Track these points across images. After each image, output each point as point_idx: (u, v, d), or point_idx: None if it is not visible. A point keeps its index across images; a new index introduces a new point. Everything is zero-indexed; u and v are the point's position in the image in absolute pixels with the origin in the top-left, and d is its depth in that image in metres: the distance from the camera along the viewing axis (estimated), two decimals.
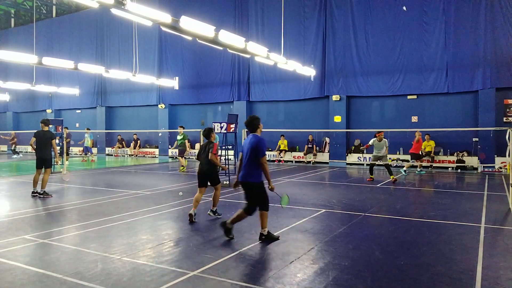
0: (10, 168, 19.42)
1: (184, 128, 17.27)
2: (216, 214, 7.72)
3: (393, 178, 12.72)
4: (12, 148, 26.80)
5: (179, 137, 16.70)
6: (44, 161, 10.10)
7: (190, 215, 7.32)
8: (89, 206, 8.90)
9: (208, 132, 7.78)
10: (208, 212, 7.77)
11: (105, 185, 12.25)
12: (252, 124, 6.08)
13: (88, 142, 22.35)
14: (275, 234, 6.31)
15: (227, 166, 8.33)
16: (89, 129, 23.33)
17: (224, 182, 12.18)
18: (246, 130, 7.85)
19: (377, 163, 13.47)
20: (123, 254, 5.36)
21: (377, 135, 13.13)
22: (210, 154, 7.40)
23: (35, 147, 10.16)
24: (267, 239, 5.99)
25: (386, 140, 13.29)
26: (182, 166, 16.47)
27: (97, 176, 15.22)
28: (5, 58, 12.55)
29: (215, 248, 5.70)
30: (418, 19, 17.49)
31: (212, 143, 7.61)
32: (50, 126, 16.05)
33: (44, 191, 10.00)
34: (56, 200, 9.68)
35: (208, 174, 7.53)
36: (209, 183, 7.61)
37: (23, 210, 8.38)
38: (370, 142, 13.23)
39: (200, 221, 7.53)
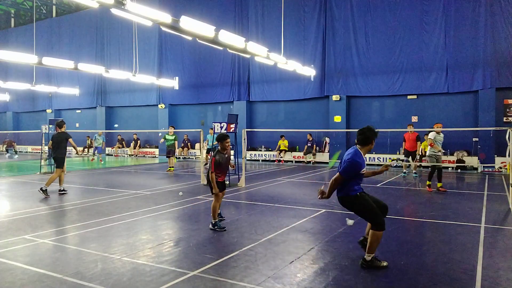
0: (11, 168, 19.42)
1: (174, 128, 17.06)
2: (216, 227, 6.68)
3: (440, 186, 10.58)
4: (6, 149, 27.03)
5: (170, 137, 16.56)
6: (55, 160, 10.67)
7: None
8: (89, 206, 8.90)
9: (217, 139, 6.89)
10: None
11: (105, 185, 12.24)
12: (365, 136, 4.94)
13: (100, 143, 22.34)
14: (275, 234, 6.30)
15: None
16: (102, 132, 23.24)
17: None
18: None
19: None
20: (123, 254, 5.36)
21: (436, 127, 10.64)
22: (210, 172, 6.68)
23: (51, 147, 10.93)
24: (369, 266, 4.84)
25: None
26: (171, 167, 16.39)
27: (97, 176, 15.22)
28: (5, 58, 12.54)
29: (215, 248, 5.69)
30: (418, 19, 17.49)
31: (212, 158, 6.74)
32: (50, 126, 16.29)
33: (46, 189, 10.14)
34: (56, 200, 9.68)
35: (208, 182, 6.96)
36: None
37: (23, 210, 8.38)
38: (432, 137, 10.48)
39: (200, 221, 7.53)
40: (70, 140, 10.59)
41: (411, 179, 13.62)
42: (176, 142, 16.78)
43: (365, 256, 4.87)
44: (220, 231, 6.54)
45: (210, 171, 6.70)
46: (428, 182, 10.68)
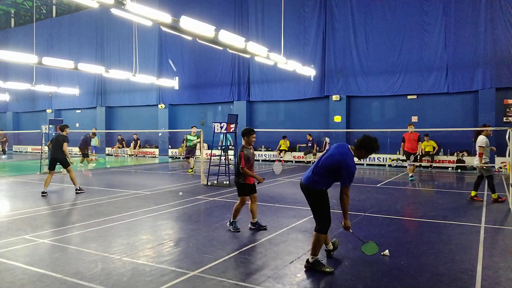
0: (10, 168, 19.42)
1: (197, 128, 16.33)
2: (257, 226, 6.68)
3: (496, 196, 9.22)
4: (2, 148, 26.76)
5: (192, 138, 15.90)
6: (57, 161, 10.62)
7: (250, 228, 6.77)
8: (89, 206, 8.90)
9: (243, 133, 6.66)
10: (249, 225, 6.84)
11: (105, 185, 12.24)
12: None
13: (95, 141, 22.22)
14: (275, 234, 6.29)
15: (263, 177, 6.72)
16: (96, 129, 23.13)
17: (224, 182, 12.20)
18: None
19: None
20: (123, 254, 5.36)
21: (485, 129, 9.37)
22: (240, 168, 6.45)
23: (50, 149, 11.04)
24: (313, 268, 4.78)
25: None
26: (191, 168, 15.92)
27: (97, 176, 15.22)
28: (5, 58, 12.54)
29: (215, 248, 5.69)
30: (418, 19, 17.50)
31: (240, 152, 6.48)
32: (50, 126, 16.30)
33: (80, 187, 10.68)
34: (56, 200, 9.69)
35: (235, 183, 6.80)
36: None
37: (23, 210, 8.38)
38: (484, 144, 9.44)
39: (200, 221, 7.54)
40: (64, 144, 10.46)
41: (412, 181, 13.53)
42: (199, 143, 15.93)
43: (308, 258, 4.81)
44: (234, 231, 6.50)
45: (240, 167, 6.43)
46: (473, 192, 9.50)
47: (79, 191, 10.58)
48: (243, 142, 6.67)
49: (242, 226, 6.76)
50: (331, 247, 5.29)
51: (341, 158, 4.58)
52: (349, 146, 4.76)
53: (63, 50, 28.28)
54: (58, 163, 10.70)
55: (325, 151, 5.08)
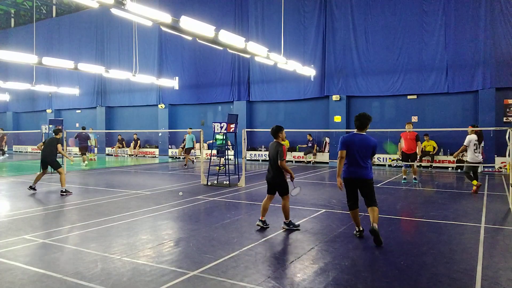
0: (10, 168, 19.41)
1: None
2: (291, 226, 6.63)
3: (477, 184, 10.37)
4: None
5: (220, 137, 15.43)
6: (47, 163, 10.80)
7: (258, 225, 6.71)
8: (89, 206, 8.90)
9: (276, 131, 6.80)
10: (282, 225, 6.73)
11: (105, 185, 12.24)
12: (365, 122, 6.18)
13: (92, 141, 22.14)
14: (275, 234, 6.28)
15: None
16: (92, 129, 23.10)
17: (224, 182, 12.20)
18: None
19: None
20: (123, 254, 5.36)
21: (471, 128, 10.31)
22: (279, 161, 6.52)
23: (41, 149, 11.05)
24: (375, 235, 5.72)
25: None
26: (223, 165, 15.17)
27: (97, 176, 15.22)
28: (5, 58, 12.54)
29: (215, 248, 5.69)
30: (418, 19, 17.49)
31: (281, 146, 6.60)
32: (50, 126, 16.30)
33: (66, 189, 10.48)
34: (56, 200, 9.69)
35: (274, 183, 6.75)
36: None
37: (23, 210, 8.38)
38: (468, 142, 10.41)
39: (200, 221, 7.54)
40: (59, 146, 10.74)
41: (411, 182, 13.34)
42: (228, 141, 14.73)
43: (375, 225, 5.70)
44: (295, 229, 6.57)
45: (281, 160, 6.50)
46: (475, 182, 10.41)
47: (65, 193, 10.38)
48: (276, 140, 6.84)
49: (241, 226, 6.76)
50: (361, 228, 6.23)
51: (373, 141, 6.04)
52: (356, 131, 6.17)
53: (63, 50, 28.27)
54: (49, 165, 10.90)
55: (344, 146, 6.04)
